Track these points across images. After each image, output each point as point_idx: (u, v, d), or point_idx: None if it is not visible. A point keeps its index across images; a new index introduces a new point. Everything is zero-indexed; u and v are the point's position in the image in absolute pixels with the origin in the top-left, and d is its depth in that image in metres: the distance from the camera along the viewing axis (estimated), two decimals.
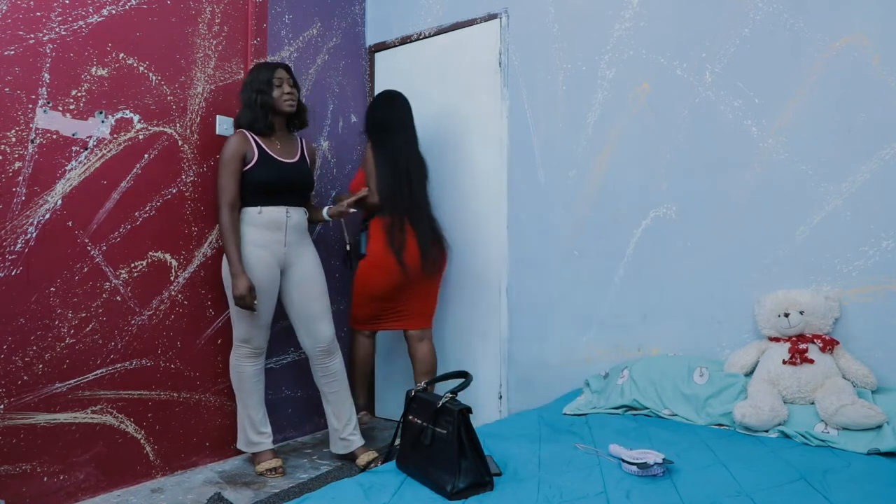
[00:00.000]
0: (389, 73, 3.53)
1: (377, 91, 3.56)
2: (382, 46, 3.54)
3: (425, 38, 3.38)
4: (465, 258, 3.21)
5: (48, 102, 2.30)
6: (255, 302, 2.53)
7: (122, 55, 2.50)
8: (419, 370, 2.98)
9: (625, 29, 2.74)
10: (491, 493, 1.59)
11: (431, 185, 3.08)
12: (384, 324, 3.01)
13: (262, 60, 2.96)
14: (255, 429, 2.69)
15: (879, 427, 1.91)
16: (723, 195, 2.49)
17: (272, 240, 2.61)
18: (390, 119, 2.94)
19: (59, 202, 2.32)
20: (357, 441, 2.74)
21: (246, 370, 2.67)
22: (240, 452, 2.83)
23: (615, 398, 2.38)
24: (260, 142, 2.62)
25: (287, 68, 2.69)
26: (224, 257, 2.59)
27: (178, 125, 2.68)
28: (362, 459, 2.70)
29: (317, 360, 2.72)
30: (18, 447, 2.22)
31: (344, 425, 2.74)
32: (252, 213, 2.59)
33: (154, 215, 2.60)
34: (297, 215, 2.69)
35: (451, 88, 3.28)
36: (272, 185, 2.62)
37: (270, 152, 2.63)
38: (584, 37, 2.85)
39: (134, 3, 2.54)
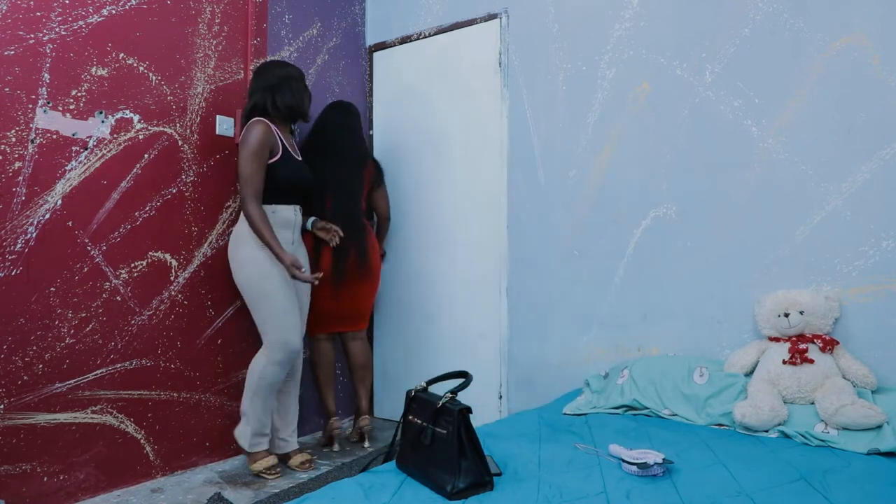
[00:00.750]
0: (389, 73, 3.53)
1: (377, 91, 3.56)
2: (382, 46, 3.54)
3: (425, 37, 3.38)
4: (466, 258, 3.21)
5: (48, 102, 2.30)
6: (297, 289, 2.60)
7: (122, 55, 2.50)
8: (352, 364, 3.08)
9: (625, 29, 2.74)
10: (491, 493, 1.59)
11: (386, 190, 3.24)
12: (327, 325, 3.04)
13: (266, 60, 2.96)
14: (260, 430, 2.63)
15: (879, 427, 1.91)
16: (723, 195, 2.49)
17: (283, 239, 2.61)
18: (317, 135, 3.02)
19: (59, 202, 2.32)
20: (294, 444, 2.75)
21: (273, 379, 2.56)
22: (239, 452, 2.83)
23: (615, 398, 2.38)
24: (281, 136, 2.63)
25: None
26: (231, 260, 2.59)
27: (178, 125, 2.68)
28: (296, 460, 2.69)
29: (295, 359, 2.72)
30: (18, 447, 2.22)
31: (286, 425, 2.75)
32: (267, 212, 2.56)
33: (154, 215, 2.59)
34: (300, 214, 2.73)
35: (451, 88, 3.27)
36: (294, 184, 2.64)
37: (290, 149, 2.66)
38: (584, 37, 2.85)
39: (134, 3, 2.54)
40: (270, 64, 2.73)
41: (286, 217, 2.63)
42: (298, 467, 2.68)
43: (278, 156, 2.57)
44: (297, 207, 2.71)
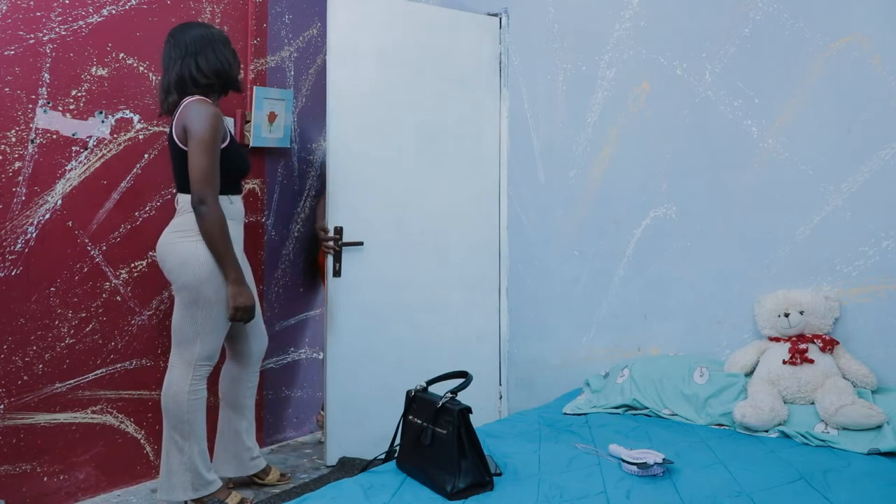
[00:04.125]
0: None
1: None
2: None
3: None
4: (465, 258, 3.19)
5: (48, 102, 2.30)
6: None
7: (122, 55, 2.50)
8: None
9: (625, 29, 2.74)
10: (491, 493, 1.60)
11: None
12: None
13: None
14: (206, 465, 2.27)
15: (879, 427, 1.91)
16: (723, 195, 2.49)
17: (240, 234, 2.34)
18: None
19: (59, 202, 2.33)
20: (263, 460, 2.54)
21: (203, 395, 2.25)
22: None
23: (615, 397, 2.38)
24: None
25: None
26: (171, 254, 2.22)
27: None
28: (274, 475, 2.53)
29: (254, 369, 2.47)
30: (18, 447, 2.22)
31: (254, 442, 2.51)
32: (225, 204, 2.23)
33: (154, 215, 2.59)
34: None
35: (450, 88, 3.25)
36: (246, 170, 2.39)
37: (232, 131, 2.40)
38: (584, 37, 2.85)
39: (134, 3, 2.54)
40: (184, 27, 2.27)
41: (241, 208, 2.34)
42: (280, 481, 2.53)
43: (227, 141, 2.24)
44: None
